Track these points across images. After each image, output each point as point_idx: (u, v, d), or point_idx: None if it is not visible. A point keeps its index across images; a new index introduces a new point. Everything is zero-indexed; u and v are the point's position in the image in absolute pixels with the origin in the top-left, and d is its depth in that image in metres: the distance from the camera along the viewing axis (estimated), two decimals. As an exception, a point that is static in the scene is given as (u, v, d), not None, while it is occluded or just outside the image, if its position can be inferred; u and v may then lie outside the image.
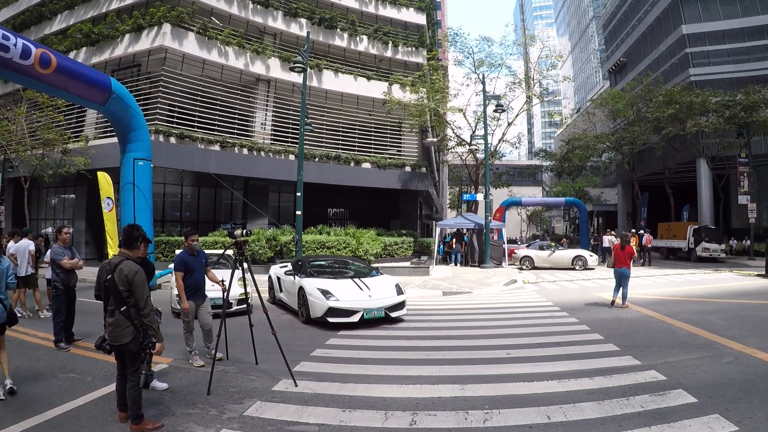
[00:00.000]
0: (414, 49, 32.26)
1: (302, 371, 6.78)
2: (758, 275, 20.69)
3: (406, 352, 8.15)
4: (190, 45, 24.09)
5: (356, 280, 11.08)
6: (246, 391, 6.03)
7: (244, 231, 6.96)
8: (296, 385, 6.15)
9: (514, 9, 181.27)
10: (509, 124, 33.56)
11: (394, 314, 10.56)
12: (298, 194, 18.13)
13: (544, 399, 5.75)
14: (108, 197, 14.03)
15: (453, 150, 37.94)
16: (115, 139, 16.24)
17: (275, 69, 27.20)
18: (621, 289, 12.74)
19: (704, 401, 5.52)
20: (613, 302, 12.86)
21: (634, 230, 30.44)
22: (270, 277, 13.90)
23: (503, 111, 29.31)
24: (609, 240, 28.39)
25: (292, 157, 26.20)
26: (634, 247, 16.54)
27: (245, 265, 6.97)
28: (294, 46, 27.63)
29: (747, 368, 6.85)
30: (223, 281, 7.28)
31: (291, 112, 27.53)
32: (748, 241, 33.28)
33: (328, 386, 6.22)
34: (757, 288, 16.84)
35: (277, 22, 28.12)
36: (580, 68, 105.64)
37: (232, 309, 10.49)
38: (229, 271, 7.08)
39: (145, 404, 4.91)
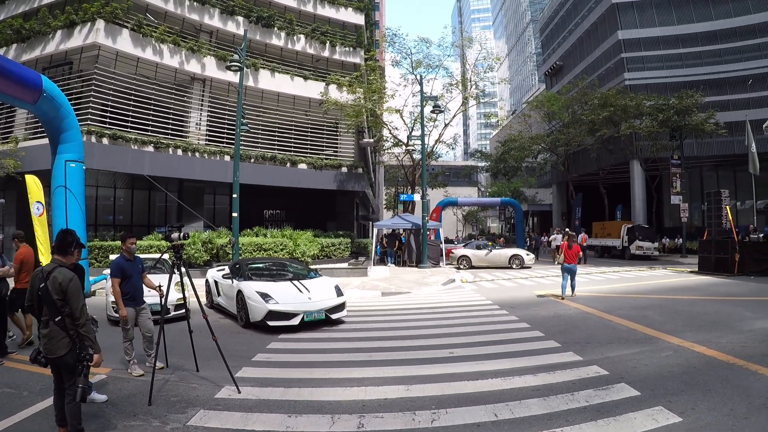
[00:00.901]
0: (352, 49, 32.29)
1: (245, 377, 6.76)
2: (691, 272, 21.74)
3: (350, 354, 8.22)
4: (124, 42, 23.28)
5: (295, 282, 11.05)
6: (188, 399, 5.95)
7: (181, 234, 6.87)
8: (239, 392, 6.12)
9: (452, 11, 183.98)
10: (446, 125, 34.10)
11: (334, 316, 10.63)
12: (234, 196, 17.81)
13: (490, 397, 5.91)
14: (37, 201, 13.41)
15: (389, 150, 38.19)
16: (45, 141, 15.53)
17: (211, 68, 26.66)
18: (570, 281, 13.87)
19: (647, 394, 5.81)
20: (562, 297, 13.82)
21: (567, 229, 31.51)
22: (207, 281, 13.66)
23: (441, 112, 29.72)
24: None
25: (227, 158, 25.77)
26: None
27: (183, 269, 6.86)
28: (230, 44, 27.19)
29: (686, 361, 7.24)
30: (160, 287, 7.16)
31: (226, 112, 27.02)
32: (680, 240, 34.74)
33: (272, 391, 6.22)
34: (690, 284, 17.64)
35: (213, 19, 27.56)
36: (517, 71, 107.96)
37: (170, 314, 10.31)
38: (165, 276, 6.95)
39: (84, 418, 4.80)
